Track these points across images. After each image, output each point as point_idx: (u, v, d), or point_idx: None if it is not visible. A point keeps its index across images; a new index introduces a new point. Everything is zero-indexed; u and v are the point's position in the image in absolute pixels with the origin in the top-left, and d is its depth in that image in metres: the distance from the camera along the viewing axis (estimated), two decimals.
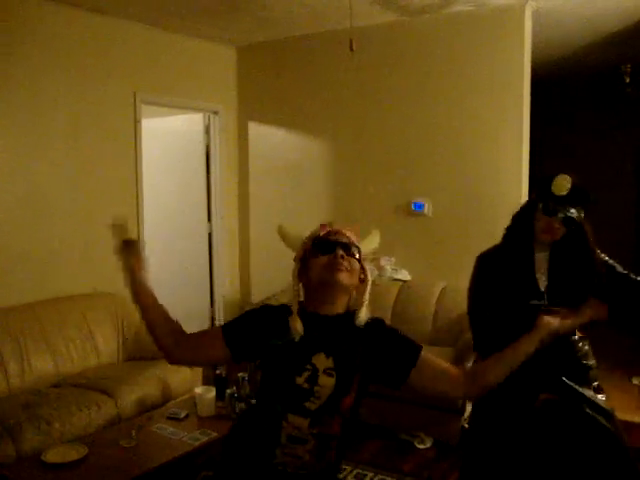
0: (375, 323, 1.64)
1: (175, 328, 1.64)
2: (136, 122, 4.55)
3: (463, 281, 4.35)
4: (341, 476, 3.04)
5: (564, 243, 2.22)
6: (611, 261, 2.31)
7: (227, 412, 3.01)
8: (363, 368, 1.58)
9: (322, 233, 1.62)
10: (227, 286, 5.46)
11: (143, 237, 4.68)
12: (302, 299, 1.64)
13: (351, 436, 1.64)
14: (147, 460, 2.59)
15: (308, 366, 1.52)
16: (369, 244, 1.71)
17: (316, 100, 4.98)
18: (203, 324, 5.50)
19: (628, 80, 5.80)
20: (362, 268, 1.61)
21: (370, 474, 3.27)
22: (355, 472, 3.27)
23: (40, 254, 3.97)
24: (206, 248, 5.38)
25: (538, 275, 2.25)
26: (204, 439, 2.79)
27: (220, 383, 3.17)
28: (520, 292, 2.25)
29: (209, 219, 5.39)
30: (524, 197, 4.23)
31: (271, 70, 5.22)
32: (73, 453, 2.58)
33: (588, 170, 8.15)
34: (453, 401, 1.76)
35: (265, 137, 5.30)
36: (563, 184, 2.17)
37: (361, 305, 1.61)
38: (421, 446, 3.57)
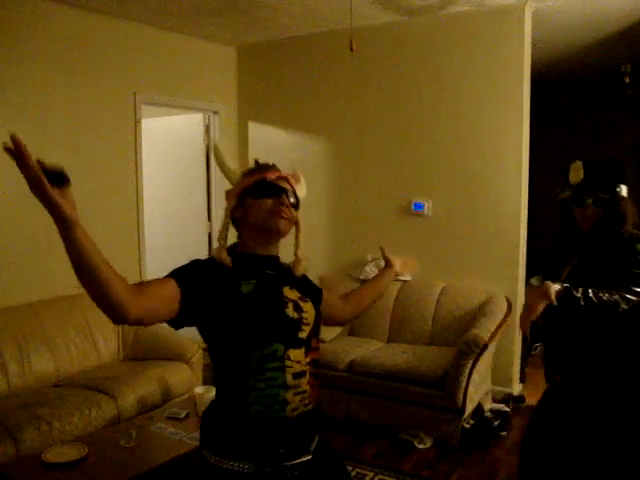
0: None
1: (126, 281, 1.29)
2: (136, 122, 4.56)
3: (463, 281, 4.40)
4: None
5: (599, 228, 2.10)
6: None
7: None
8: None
9: (271, 176, 1.64)
10: None
11: (144, 237, 4.69)
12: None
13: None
14: (147, 460, 2.59)
15: (285, 299, 1.56)
16: (302, 191, 1.75)
17: (316, 100, 4.98)
18: None
19: (628, 80, 5.80)
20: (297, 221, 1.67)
21: (370, 474, 3.27)
22: (355, 472, 3.27)
23: (40, 254, 3.97)
24: (206, 248, 5.38)
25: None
26: None
27: None
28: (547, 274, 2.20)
29: (209, 219, 5.39)
30: (524, 197, 4.24)
31: (271, 70, 5.22)
32: (73, 453, 2.57)
33: None
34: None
35: (265, 137, 5.30)
36: (576, 173, 2.11)
37: (299, 258, 1.68)
38: (421, 446, 3.58)
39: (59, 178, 1.11)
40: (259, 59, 5.28)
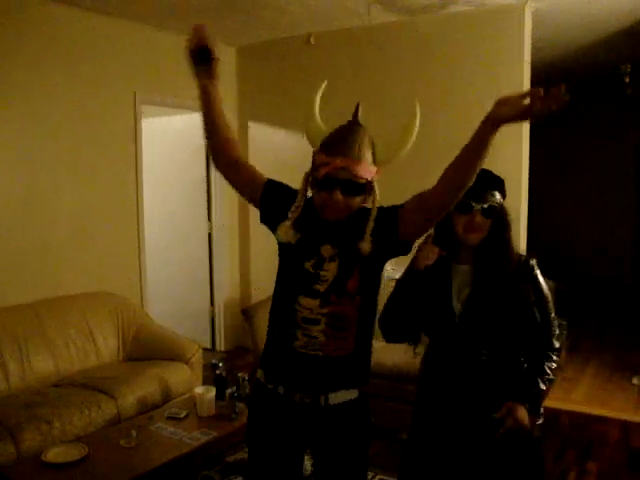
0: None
1: (236, 143, 1.93)
2: (136, 122, 4.56)
3: None
4: None
5: (486, 246, 1.92)
6: (537, 272, 1.94)
7: (227, 412, 3.02)
8: (366, 259, 1.70)
9: (324, 171, 1.64)
10: (227, 286, 5.47)
11: (143, 237, 4.69)
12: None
13: (370, 323, 1.79)
14: (147, 460, 2.59)
15: (316, 255, 1.69)
16: (366, 171, 1.74)
17: None
18: (203, 324, 5.50)
19: (628, 80, 5.80)
20: (368, 192, 1.77)
21: (370, 474, 3.27)
22: None
23: (40, 254, 3.97)
24: (206, 248, 5.39)
25: (455, 297, 1.93)
26: (204, 439, 2.79)
27: (220, 383, 3.17)
28: (433, 315, 1.98)
29: (209, 219, 5.40)
30: (524, 198, 4.23)
31: (271, 70, 5.22)
32: (73, 453, 2.58)
33: (588, 170, 8.15)
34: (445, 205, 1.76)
35: (265, 137, 5.30)
36: None
37: (365, 235, 1.68)
38: None
39: (207, 56, 1.66)
40: (259, 59, 5.28)
